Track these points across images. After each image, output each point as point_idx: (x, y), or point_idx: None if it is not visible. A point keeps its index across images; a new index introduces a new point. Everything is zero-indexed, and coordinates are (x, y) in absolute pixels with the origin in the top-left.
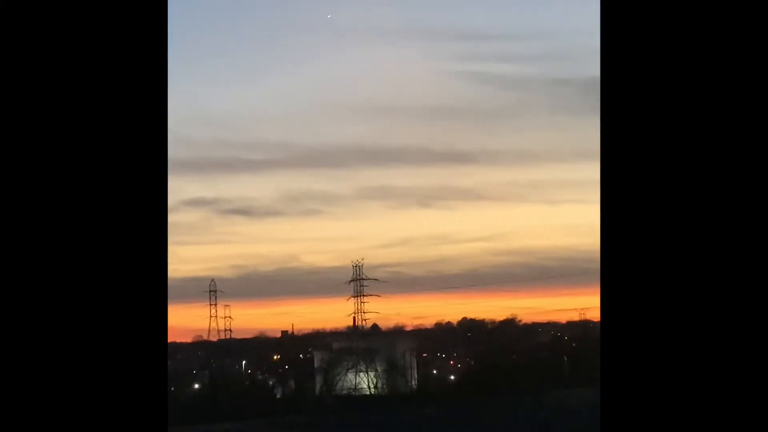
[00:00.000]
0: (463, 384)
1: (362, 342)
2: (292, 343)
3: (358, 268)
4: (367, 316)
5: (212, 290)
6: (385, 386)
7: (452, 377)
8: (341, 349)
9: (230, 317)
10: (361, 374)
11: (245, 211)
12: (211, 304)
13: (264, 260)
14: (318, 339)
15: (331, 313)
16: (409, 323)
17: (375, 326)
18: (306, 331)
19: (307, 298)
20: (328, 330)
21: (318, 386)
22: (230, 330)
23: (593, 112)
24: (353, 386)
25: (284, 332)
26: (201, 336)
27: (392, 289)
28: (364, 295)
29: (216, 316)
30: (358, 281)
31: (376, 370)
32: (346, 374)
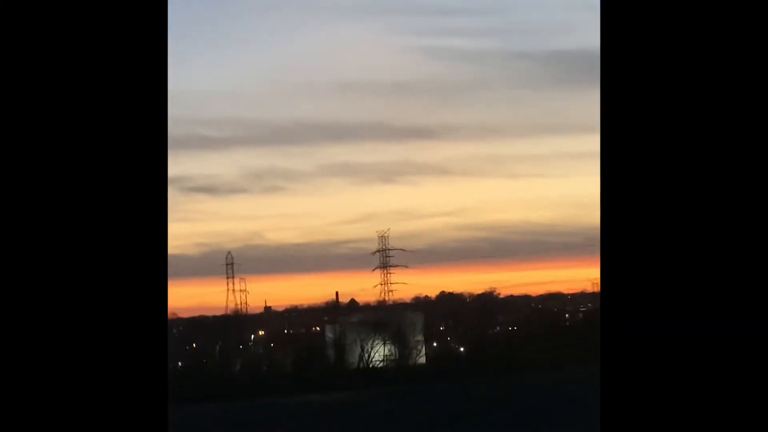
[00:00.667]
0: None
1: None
2: (275, 319)
3: (384, 238)
4: (394, 287)
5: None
6: (396, 359)
7: (461, 349)
8: (352, 324)
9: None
10: (384, 346)
11: (208, 189)
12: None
13: (228, 237)
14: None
15: (305, 289)
16: (388, 297)
17: (353, 301)
18: (282, 307)
19: (277, 275)
20: (305, 306)
21: (332, 359)
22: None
23: (552, 85)
24: (381, 358)
25: (267, 308)
26: (176, 314)
27: (357, 266)
28: (390, 267)
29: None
30: (384, 252)
31: (389, 343)
32: (374, 346)
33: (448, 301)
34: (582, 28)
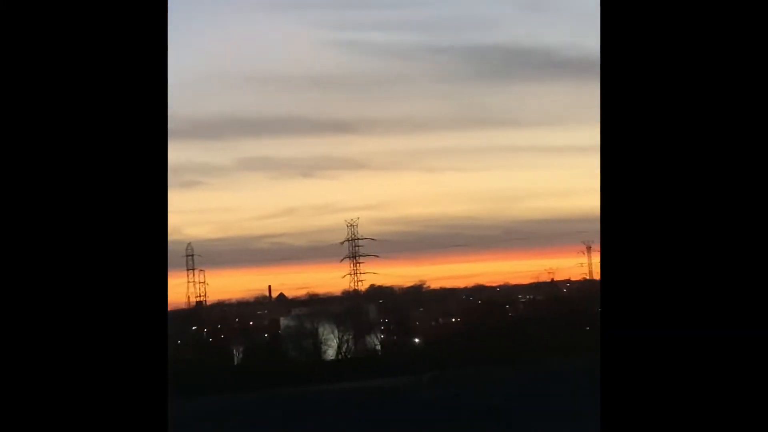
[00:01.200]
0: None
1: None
2: (208, 312)
3: (352, 227)
4: (363, 277)
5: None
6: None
7: (416, 340)
8: (302, 315)
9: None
10: (341, 339)
11: None
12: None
13: None
14: (238, 309)
15: (228, 284)
16: (320, 291)
17: (281, 295)
18: (211, 302)
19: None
20: (234, 300)
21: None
22: None
23: (471, 80)
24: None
25: (199, 302)
26: None
27: (276, 260)
28: (359, 257)
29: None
30: (353, 241)
31: (342, 336)
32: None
33: (378, 294)
34: (501, 23)
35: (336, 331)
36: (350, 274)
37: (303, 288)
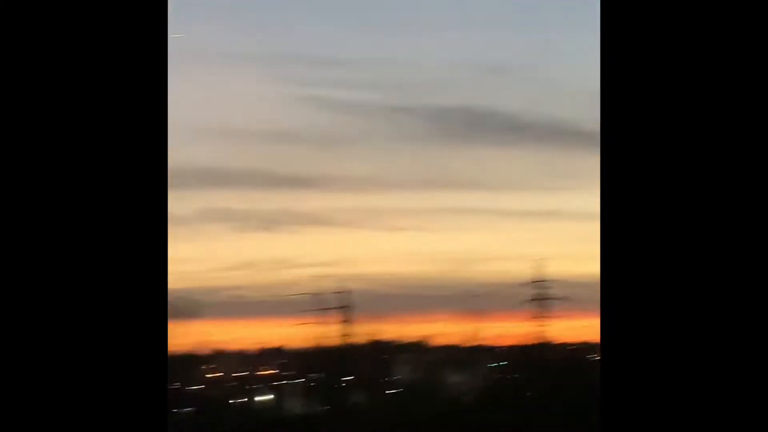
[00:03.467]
0: None
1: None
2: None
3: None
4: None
5: None
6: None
7: None
8: None
9: None
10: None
11: None
12: None
13: None
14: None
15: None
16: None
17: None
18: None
19: None
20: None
21: None
22: None
23: (434, 141)
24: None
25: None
26: None
27: (233, 313)
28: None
29: None
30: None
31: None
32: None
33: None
34: (464, 85)
35: None
36: None
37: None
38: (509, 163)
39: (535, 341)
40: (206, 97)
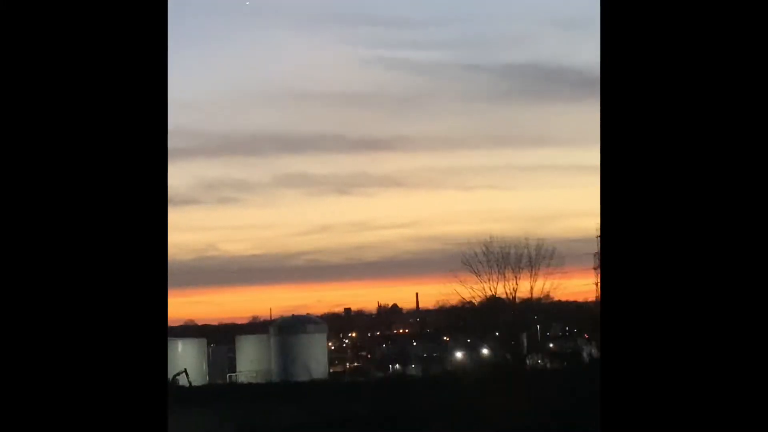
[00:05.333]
0: None
1: None
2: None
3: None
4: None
5: None
6: None
7: None
8: None
9: None
10: None
11: None
12: None
13: (182, 249)
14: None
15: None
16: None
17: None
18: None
19: (232, 287)
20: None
21: None
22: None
23: (505, 98)
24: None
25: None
26: None
27: (313, 277)
28: None
29: None
30: None
31: None
32: None
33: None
34: (535, 41)
35: None
36: None
37: (340, 305)
38: (581, 119)
39: None
40: (275, 61)
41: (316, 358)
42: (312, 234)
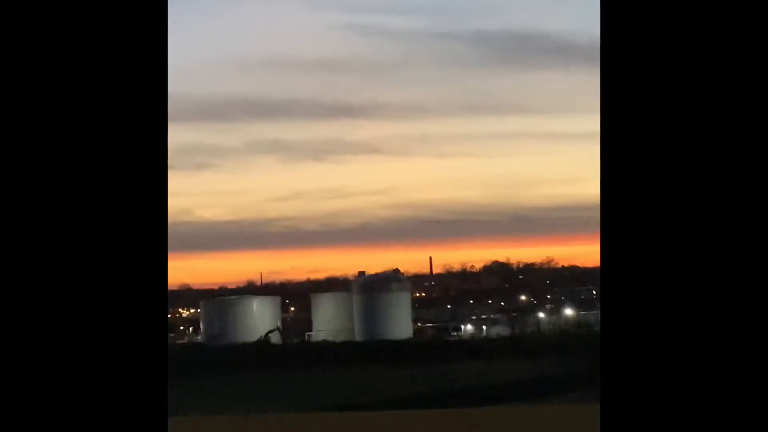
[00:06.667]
0: None
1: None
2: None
3: None
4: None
5: None
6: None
7: None
8: None
9: None
10: None
11: None
12: None
13: None
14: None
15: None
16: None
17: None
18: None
19: (203, 253)
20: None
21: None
22: None
23: (479, 65)
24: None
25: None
26: None
27: (288, 243)
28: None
29: None
30: None
31: None
32: None
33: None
34: (508, 9)
35: None
36: None
37: (315, 271)
38: (556, 86)
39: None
40: (252, 28)
41: (401, 316)
42: (287, 200)
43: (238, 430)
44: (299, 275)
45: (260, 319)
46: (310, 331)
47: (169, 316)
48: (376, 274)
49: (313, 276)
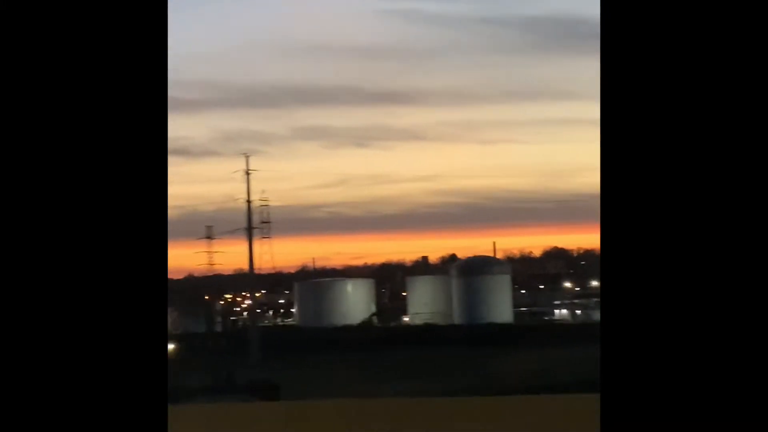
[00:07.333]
0: None
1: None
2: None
3: None
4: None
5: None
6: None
7: None
8: None
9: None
10: None
11: (182, 151)
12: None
13: (203, 200)
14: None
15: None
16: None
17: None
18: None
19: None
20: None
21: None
22: None
23: (525, 51)
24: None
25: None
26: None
27: (331, 229)
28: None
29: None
30: None
31: None
32: None
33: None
34: None
35: None
36: None
37: (358, 257)
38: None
39: None
40: (296, 14)
41: (502, 300)
42: (330, 187)
43: (393, 413)
44: (344, 261)
45: (355, 302)
46: (404, 314)
47: (230, 299)
48: (474, 257)
49: (354, 262)
